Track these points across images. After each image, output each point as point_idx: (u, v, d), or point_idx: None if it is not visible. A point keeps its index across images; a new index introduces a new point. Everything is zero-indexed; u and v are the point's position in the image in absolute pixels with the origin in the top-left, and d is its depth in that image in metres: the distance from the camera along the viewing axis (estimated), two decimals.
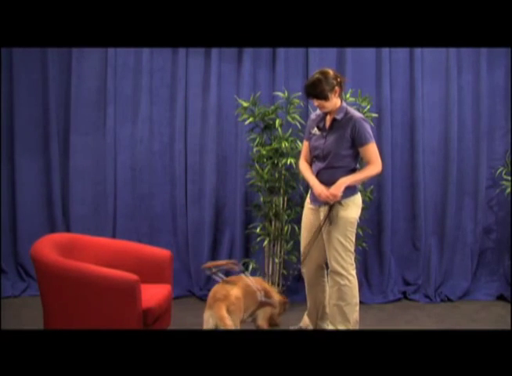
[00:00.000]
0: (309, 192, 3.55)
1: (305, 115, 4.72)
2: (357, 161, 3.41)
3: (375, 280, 4.80)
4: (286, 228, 4.46)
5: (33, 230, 4.60)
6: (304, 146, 3.54)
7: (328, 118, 3.38)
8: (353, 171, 3.36)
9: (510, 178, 4.61)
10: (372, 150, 3.30)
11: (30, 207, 4.74)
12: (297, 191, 4.64)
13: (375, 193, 4.72)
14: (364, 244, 4.60)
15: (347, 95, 4.48)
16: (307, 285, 3.61)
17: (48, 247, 3.13)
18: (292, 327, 3.64)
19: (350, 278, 3.35)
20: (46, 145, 4.73)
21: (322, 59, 4.77)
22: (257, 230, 4.47)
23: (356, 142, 3.29)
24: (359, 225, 4.53)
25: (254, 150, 4.46)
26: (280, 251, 4.50)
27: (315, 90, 3.23)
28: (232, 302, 2.99)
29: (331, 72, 3.28)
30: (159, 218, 4.82)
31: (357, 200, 3.41)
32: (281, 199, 4.47)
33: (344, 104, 3.38)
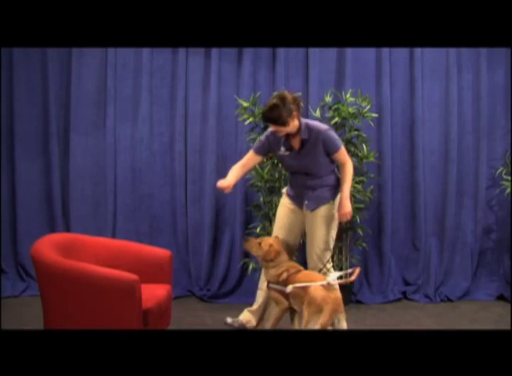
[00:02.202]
0: (287, 192, 3.55)
1: (305, 115, 4.72)
2: (334, 162, 3.46)
3: (375, 280, 4.80)
4: None
5: (33, 230, 4.60)
6: (250, 157, 3.46)
7: (292, 139, 3.34)
8: (334, 171, 3.45)
9: (510, 178, 4.61)
10: (344, 153, 3.38)
11: (31, 207, 4.74)
12: None
13: (375, 193, 4.72)
14: (364, 244, 4.60)
15: (347, 95, 4.49)
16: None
17: (48, 247, 3.13)
18: (229, 320, 3.61)
19: (329, 274, 3.38)
20: (46, 145, 4.73)
21: (322, 59, 4.78)
22: (257, 230, 4.47)
23: (330, 152, 3.34)
24: (359, 225, 4.55)
25: None
26: None
27: (273, 115, 3.17)
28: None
29: (289, 96, 3.22)
30: (159, 219, 4.82)
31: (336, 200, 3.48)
32: None
33: (303, 121, 3.33)
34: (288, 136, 3.34)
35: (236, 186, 3.92)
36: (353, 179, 4.40)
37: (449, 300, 4.67)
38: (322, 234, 3.40)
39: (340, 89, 4.70)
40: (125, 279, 2.93)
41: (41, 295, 3.13)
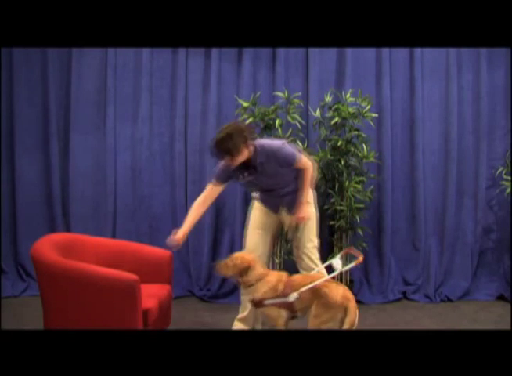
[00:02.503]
0: (258, 197, 3.52)
1: (305, 115, 4.73)
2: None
3: (375, 280, 4.80)
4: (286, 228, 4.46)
5: (33, 230, 4.60)
6: (210, 190, 3.42)
7: (250, 163, 3.26)
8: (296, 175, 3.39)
9: (510, 178, 4.61)
10: (301, 161, 3.31)
11: (31, 207, 4.74)
12: None
13: (375, 193, 4.72)
14: (364, 244, 4.60)
15: (347, 95, 4.49)
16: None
17: (48, 247, 3.13)
18: None
19: (323, 272, 3.36)
20: (46, 145, 4.73)
21: (322, 59, 4.78)
22: None
23: (288, 165, 3.29)
24: (359, 225, 4.55)
25: None
26: (280, 251, 4.51)
27: (227, 146, 3.08)
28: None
29: (239, 125, 3.21)
30: (159, 219, 4.82)
31: (309, 197, 3.46)
32: None
33: (257, 144, 3.23)
34: (245, 163, 3.25)
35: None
36: (353, 179, 4.44)
37: (449, 300, 4.67)
38: (307, 233, 3.43)
39: (340, 89, 4.71)
40: (125, 279, 2.93)
41: (41, 295, 3.13)
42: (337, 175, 4.54)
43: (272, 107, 4.47)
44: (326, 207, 4.56)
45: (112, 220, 4.76)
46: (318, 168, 4.49)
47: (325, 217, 4.69)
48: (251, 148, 3.20)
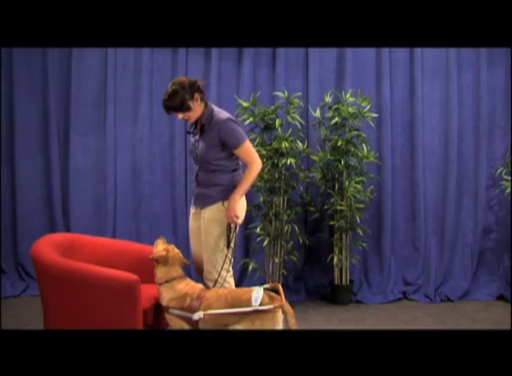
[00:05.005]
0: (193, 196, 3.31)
1: (305, 115, 4.73)
2: (235, 161, 3.17)
3: (375, 280, 4.80)
4: (286, 228, 4.47)
5: (33, 230, 4.60)
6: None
7: (198, 123, 3.17)
8: (234, 171, 3.16)
9: (510, 178, 4.61)
10: (246, 151, 3.09)
11: (30, 207, 4.74)
12: (297, 191, 4.65)
13: (375, 193, 4.72)
14: (364, 244, 4.60)
15: (347, 95, 4.49)
16: None
17: (48, 247, 3.13)
18: None
19: (225, 285, 3.15)
20: (46, 145, 4.73)
21: (322, 59, 4.79)
22: (257, 230, 4.47)
23: (228, 146, 3.07)
24: (359, 225, 4.55)
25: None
26: (280, 251, 4.51)
27: (175, 102, 3.00)
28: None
29: (186, 80, 3.08)
30: (159, 218, 4.82)
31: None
32: (281, 199, 4.48)
33: (211, 107, 3.12)
34: (197, 121, 3.16)
35: None
36: (353, 179, 4.44)
37: (449, 300, 4.67)
38: (210, 237, 3.12)
39: (340, 89, 4.71)
40: (125, 279, 2.93)
41: (41, 295, 3.13)
42: (337, 175, 4.55)
43: (272, 107, 4.47)
44: (326, 207, 4.56)
45: (112, 220, 4.76)
46: (319, 168, 4.51)
47: (325, 217, 4.70)
48: (203, 105, 3.11)
